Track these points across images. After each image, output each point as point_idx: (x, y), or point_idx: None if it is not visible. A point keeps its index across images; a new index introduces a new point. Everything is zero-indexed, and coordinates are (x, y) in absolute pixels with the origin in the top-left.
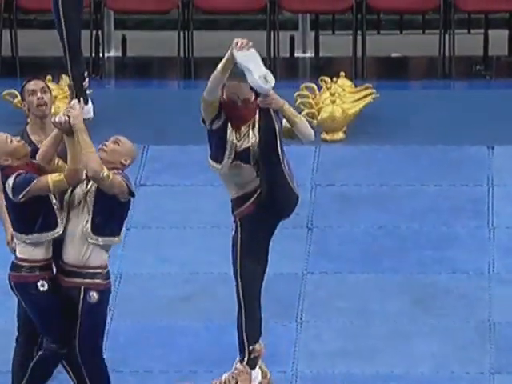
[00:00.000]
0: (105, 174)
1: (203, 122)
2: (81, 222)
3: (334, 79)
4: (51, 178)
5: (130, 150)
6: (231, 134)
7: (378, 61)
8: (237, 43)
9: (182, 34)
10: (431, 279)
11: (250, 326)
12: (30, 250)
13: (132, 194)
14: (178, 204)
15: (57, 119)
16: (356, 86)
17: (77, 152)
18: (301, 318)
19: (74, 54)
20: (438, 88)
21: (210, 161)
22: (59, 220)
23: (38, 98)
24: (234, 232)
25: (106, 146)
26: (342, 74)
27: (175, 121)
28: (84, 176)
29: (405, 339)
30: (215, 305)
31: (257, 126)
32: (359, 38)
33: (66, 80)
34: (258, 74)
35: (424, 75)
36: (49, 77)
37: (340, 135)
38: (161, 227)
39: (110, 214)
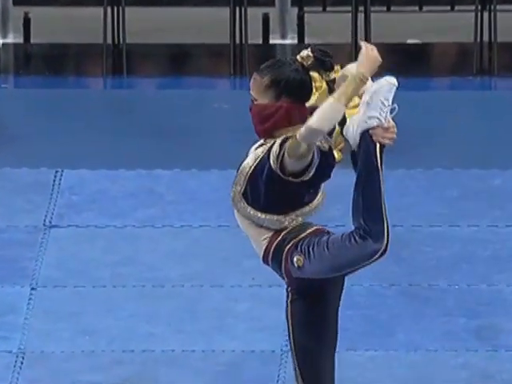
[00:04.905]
0: None
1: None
2: None
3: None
4: None
5: None
6: None
7: (388, 50)
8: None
9: (109, 11)
10: (464, 359)
11: None
12: None
13: None
14: (104, 253)
15: None
16: None
17: None
18: None
19: None
20: (472, 88)
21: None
22: None
23: None
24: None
25: None
26: (337, 68)
27: (100, 135)
28: None
29: None
30: None
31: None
32: (361, 16)
33: None
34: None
35: (453, 70)
36: None
37: (335, 155)
38: (80, 286)
39: None
